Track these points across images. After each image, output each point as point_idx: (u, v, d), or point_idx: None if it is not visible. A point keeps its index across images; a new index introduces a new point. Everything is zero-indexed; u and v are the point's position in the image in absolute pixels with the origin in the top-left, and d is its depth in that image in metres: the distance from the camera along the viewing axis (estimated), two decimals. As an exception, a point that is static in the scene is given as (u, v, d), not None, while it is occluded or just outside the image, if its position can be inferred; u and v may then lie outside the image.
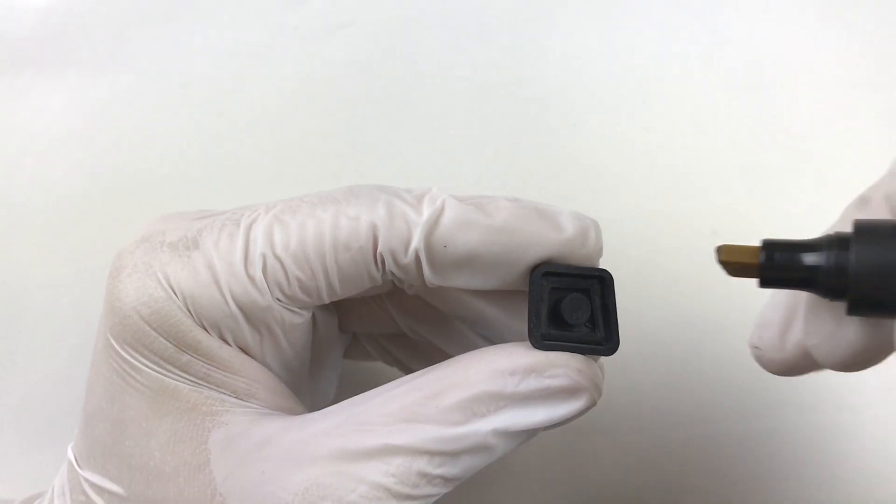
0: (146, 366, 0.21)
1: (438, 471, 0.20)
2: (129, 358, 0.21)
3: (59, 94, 0.34)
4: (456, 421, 0.20)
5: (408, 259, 0.21)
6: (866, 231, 0.17)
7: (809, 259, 0.17)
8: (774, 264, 0.17)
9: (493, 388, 0.20)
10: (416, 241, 0.20)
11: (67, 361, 0.32)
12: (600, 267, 0.22)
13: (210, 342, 0.21)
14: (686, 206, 0.30)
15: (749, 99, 0.32)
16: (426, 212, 0.21)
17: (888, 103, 0.32)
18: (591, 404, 0.21)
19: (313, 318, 0.24)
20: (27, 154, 0.34)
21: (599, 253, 0.22)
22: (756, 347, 0.20)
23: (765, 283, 0.18)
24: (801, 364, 0.19)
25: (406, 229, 0.21)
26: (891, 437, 0.28)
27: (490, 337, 0.24)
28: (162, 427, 0.21)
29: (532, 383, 0.20)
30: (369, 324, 0.27)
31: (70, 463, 0.23)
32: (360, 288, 0.22)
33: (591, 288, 0.21)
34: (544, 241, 0.21)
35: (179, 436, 0.21)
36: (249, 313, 0.21)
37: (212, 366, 0.21)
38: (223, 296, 0.21)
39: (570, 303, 0.21)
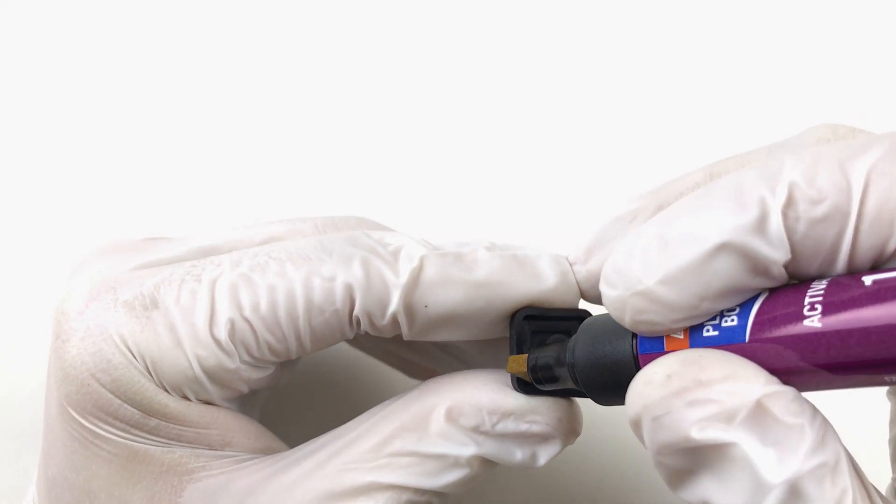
0: (112, 433, 0.20)
1: (425, 497, 0.20)
2: (91, 427, 0.20)
3: (35, 96, 0.33)
4: (437, 453, 0.20)
5: (385, 322, 0.20)
6: (584, 330, 0.18)
7: (559, 361, 0.19)
8: (537, 369, 0.19)
9: (471, 423, 0.20)
10: (395, 305, 0.19)
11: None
12: (580, 308, 0.21)
13: (177, 405, 0.20)
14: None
15: (727, 87, 0.32)
16: (404, 272, 0.19)
17: (867, 89, 0.32)
18: (564, 448, 0.21)
19: None
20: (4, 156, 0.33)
21: (579, 297, 0.21)
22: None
23: (538, 385, 0.20)
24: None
25: (385, 291, 0.19)
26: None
27: (472, 365, 0.24)
28: (136, 494, 0.20)
29: (510, 426, 0.20)
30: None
31: None
32: (331, 344, 0.21)
33: (573, 329, 0.21)
34: (527, 293, 0.20)
35: (156, 501, 0.20)
36: (215, 376, 0.20)
37: (182, 426, 0.20)
38: (188, 360, 0.20)
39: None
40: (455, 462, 0.20)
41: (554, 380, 0.19)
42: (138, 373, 0.20)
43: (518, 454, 0.20)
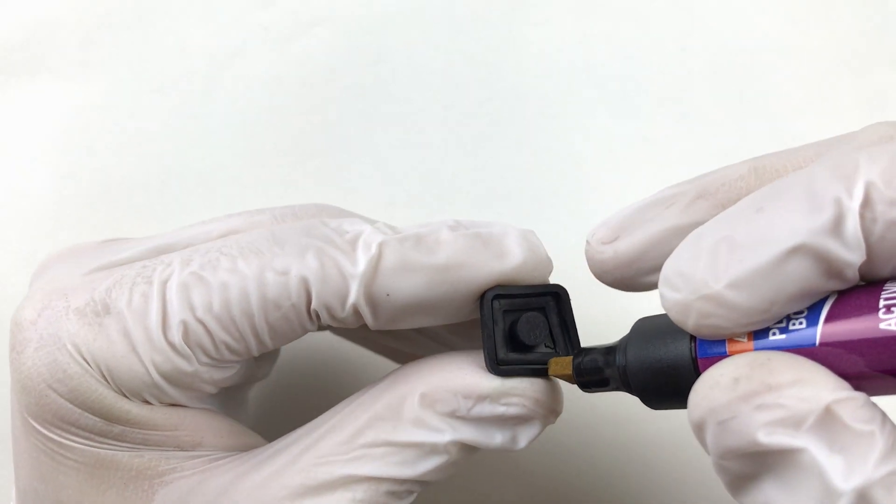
0: (76, 442, 0.19)
1: (405, 486, 0.19)
2: (54, 437, 0.19)
3: (31, 101, 0.33)
4: (413, 441, 0.19)
5: (345, 314, 0.19)
6: (637, 331, 0.18)
7: (608, 362, 0.18)
8: (583, 371, 0.19)
9: (446, 409, 0.19)
10: (354, 296, 0.19)
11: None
12: (553, 283, 0.20)
13: (140, 410, 0.20)
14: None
15: (729, 85, 0.31)
16: (362, 261, 0.18)
17: (869, 86, 0.31)
18: (545, 427, 0.20)
19: None
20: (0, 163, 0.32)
21: (550, 270, 0.20)
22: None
23: (584, 388, 0.19)
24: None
25: (342, 283, 0.19)
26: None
27: (450, 347, 0.23)
28: (106, 501, 0.20)
29: (486, 409, 0.19)
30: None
31: None
32: (295, 338, 0.20)
33: (547, 305, 0.20)
34: (494, 273, 0.19)
35: None
36: (173, 380, 0.19)
37: (148, 430, 0.20)
38: (144, 366, 0.19)
39: (525, 323, 0.20)
40: (432, 449, 0.19)
41: (603, 383, 0.19)
42: (95, 381, 0.19)
43: (497, 437, 0.20)
